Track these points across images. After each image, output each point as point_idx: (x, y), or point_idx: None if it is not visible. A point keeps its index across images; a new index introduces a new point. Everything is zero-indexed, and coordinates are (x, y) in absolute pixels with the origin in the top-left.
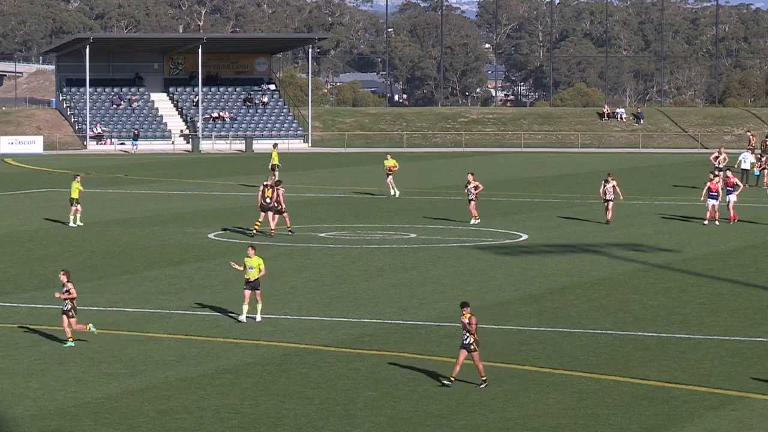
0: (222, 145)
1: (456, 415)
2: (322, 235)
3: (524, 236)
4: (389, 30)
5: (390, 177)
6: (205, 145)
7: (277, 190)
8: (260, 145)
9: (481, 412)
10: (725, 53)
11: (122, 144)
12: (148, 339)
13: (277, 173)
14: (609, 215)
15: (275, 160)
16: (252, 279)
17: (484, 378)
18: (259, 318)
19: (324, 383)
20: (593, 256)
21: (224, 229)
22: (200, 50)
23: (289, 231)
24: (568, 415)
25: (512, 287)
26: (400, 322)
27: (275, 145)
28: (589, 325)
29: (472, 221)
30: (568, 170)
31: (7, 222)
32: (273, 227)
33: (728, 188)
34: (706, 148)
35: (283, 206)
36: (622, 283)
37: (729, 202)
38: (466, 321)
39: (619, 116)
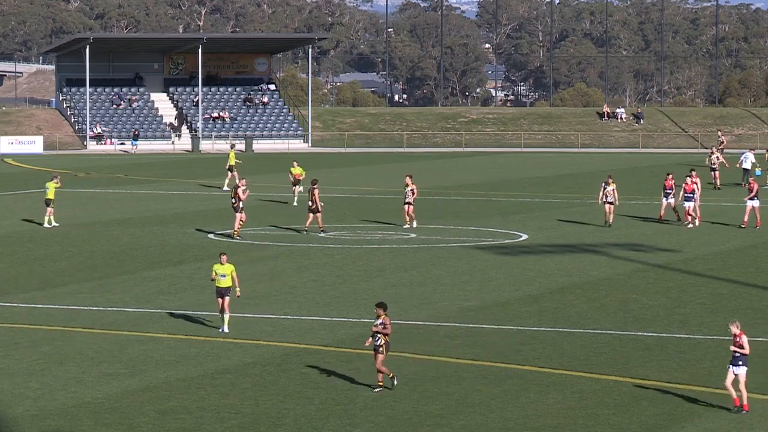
0: (222, 145)
1: (456, 415)
2: (322, 235)
3: (524, 236)
4: (389, 30)
5: (296, 186)
6: (205, 145)
7: (313, 189)
8: (260, 145)
9: (481, 412)
10: (725, 53)
11: (122, 144)
12: (148, 339)
13: (236, 173)
14: (610, 218)
15: (232, 161)
16: (223, 287)
17: (380, 383)
18: (226, 329)
19: (324, 383)
20: (593, 256)
21: (198, 230)
22: (200, 50)
23: (304, 229)
24: (568, 415)
25: (512, 287)
26: (400, 322)
27: (233, 146)
28: (589, 325)
29: (406, 225)
30: (568, 170)
31: (7, 222)
32: (236, 228)
33: (686, 195)
34: (706, 148)
35: (319, 206)
36: (622, 283)
37: (687, 207)
38: (379, 322)
39: (619, 116)
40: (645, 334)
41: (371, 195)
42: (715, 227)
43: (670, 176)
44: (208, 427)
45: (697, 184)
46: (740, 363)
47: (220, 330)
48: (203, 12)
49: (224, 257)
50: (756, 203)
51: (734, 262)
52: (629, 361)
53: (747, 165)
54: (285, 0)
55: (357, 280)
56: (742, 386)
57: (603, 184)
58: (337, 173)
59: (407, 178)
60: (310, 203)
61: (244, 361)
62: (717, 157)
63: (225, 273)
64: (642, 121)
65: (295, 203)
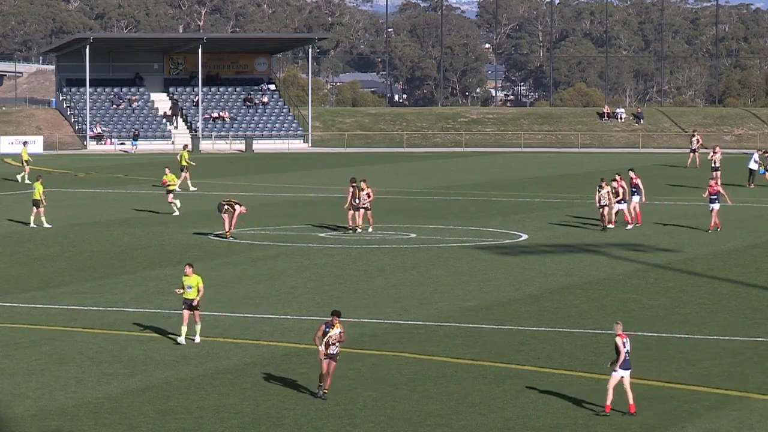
0: (222, 145)
1: (456, 415)
2: (322, 235)
3: (524, 236)
4: (389, 30)
5: (171, 194)
6: (205, 145)
7: (358, 188)
8: (260, 145)
9: (481, 412)
10: (725, 53)
11: (122, 144)
12: (148, 339)
13: (187, 174)
14: (606, 222)
15: (184, 161)
16: (190, 299)
17: (326, 391)
18: (198, 339)
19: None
20: (593, 256)
21: (196, 233)
22: (200, 50)
23: (355, 228)
24: (568, 415)
25: (512, 287)
26: (400, 322)
27: (185, 146)
28: (589, 325)
29: (369, 229)
30: (568, 170)
31: (7, 222)
32: (227, 228)
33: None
34: (706, 148)
35: (358, 203)
36: (622, 283)
37: (615, 209)
38: (338, 331)
39: (619, 116)
40: (645, 334)
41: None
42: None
43: (619, 177)
44: (208, 427)
45: (636, 185)
46: (622, 366)
47: (179, 341)
48: (203, 12)
49: (189, 269)
50: (716, 206)
51: (734, 262)
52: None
53: (752, 165)
54: (285, 0)
55: (357, 280)
56: (627, 388)
57: (597, 188)
58: (337, 173)
59: (362, 182)
60: (356, 201)
61: (244, 361)
62: (720, 156)
63: (191, 285)
64: (642, 121)
65: (176, 212)
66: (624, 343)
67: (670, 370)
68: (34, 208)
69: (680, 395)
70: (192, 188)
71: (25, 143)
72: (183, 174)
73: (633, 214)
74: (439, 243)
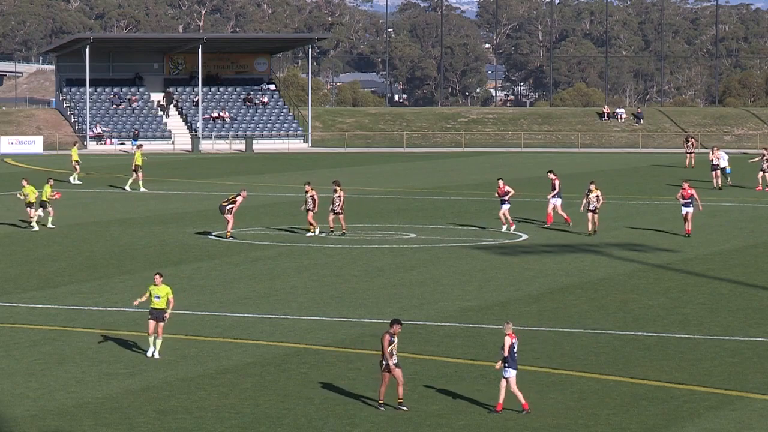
0: (222, 145)
1: (456, 415)
2: (323, 235)
3: (524, 236)
4: (389, 30)
5: (50, 206)
6: (205, 145)
7: (340, 191)
8: (260, 145)
9: (481, 412)
10: (725, 53)
11: (122, 144)
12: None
13: (140, 174)
14: (591, 226)
15: (138, 161)
16: (158, 309)
17: (401, 400)
18: (157, 355)
19: (324, 383)
20: (593, 256)
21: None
22: (200, 50)
23: (342, 233)
24: (568, 415)
25: (512, 287)
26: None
27: (140, 146)
28: (589, 325)
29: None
30: (568, 170)
31: (7, 222)
32: (228, 229)
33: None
34: (706, 148)
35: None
36: (622, 283)
37: (553, 205)
38: (396, 341)
39: (619, 116)
40: (645, 334)
41: (371, 195)
42: (714, 227)
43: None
44: (208, 427)
45: (554, 186)
46: (506, 366)
47: (148, 354)
48: (203, 12)
49: (158, 278)
50: (690, 209)
51: (734, 262)
52: (629, 361)
53: (724, 163)
54: (285, 0)
55: (357, 280)
56: (514, 388)
57: (586, 192)
58: (337, 173)
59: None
60: (334, 205)
61: (244, 361)
62: (718, 156)
63: (160, 294)
64: (642, 121)
65: (35, 227)
66: (513, 344)
67: (670, 370)
68: (41, 208)
69: (680, 395)
70: (143, 189)
71: (75, 143)
72: (135, 174)
73: (554, 215)
74: (439, 243)
